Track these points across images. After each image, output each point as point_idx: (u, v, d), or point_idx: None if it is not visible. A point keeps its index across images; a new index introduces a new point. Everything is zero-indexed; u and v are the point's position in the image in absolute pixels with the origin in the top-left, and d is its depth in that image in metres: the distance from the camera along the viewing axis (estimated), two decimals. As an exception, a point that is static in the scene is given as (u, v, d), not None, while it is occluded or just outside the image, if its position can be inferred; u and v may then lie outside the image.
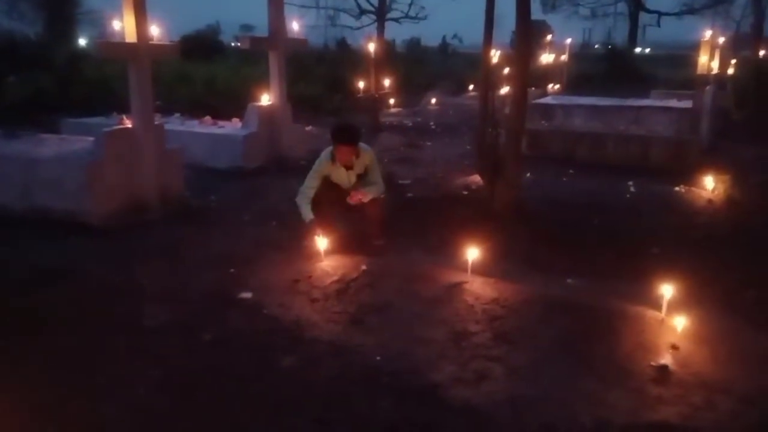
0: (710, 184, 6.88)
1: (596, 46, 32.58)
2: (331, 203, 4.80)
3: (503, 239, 4.92)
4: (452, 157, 8.71)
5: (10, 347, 3.28)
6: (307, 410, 2.82)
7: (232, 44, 22.19)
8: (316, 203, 4.78)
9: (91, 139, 5.51)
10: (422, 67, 21.47)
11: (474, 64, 17.84)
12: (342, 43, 25.97)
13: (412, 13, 28.80)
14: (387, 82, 12.45)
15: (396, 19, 28.86)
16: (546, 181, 7.08)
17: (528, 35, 5.67)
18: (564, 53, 19.34)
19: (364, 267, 4.40)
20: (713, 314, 3.74)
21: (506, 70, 10.17)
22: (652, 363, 3.20)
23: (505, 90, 9.73)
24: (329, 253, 4.60)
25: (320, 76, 15.17)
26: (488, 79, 6.48)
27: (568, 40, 20.18)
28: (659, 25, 34.35)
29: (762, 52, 16.65)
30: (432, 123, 12.47)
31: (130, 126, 5.59)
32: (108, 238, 5.01)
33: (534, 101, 9.18)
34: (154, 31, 5.72)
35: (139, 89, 5.46)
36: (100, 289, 4.05)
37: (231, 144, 7.60)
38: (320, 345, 3.40)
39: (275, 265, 4.48)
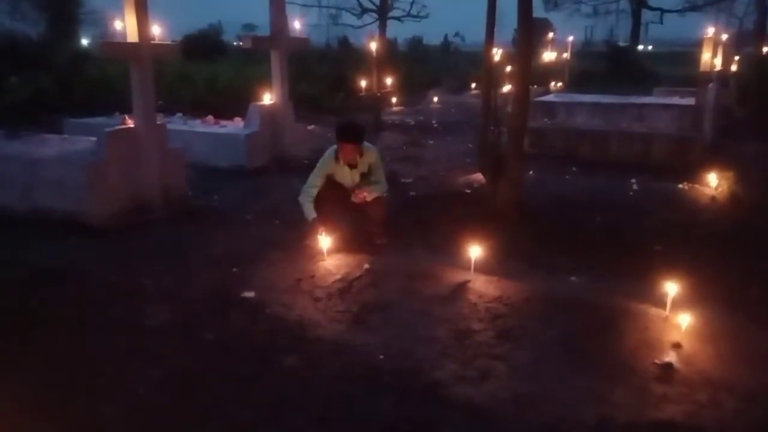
0: (713, 181, 6.86)
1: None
2: (334, 202, 4.79)
3: (506, 237, 4.91)
4: (454, 156, 8.70)
5: (10, 347, 3.28)
6: (308, 409, 2.81)
7: (234, 44, 22.22)
8: (318, 202, 4.77)
9: (93, 139, 5.51)
10: (424, 65, 21.46)
11: (476, 63, 17.81)
12: (344, 42, 25.98)
13: (413, 12, 28.75)
14: (389, 81, 12.44)
15: (398, 18, 28.83)
16: (549, 179, 7.06)
17: (530, 33, 5.65)
18: (566, 51, 19.36)
19: (366, 266, 4.39)
20: (717, 312, 3.72)
21: (508, 68, 10.17)
22: (656, 361, 3.19)
23: (507, 88, 9.72)
24: (332, 252, 4.60)
25: (322, 75, 15.17)
26: (490, 77, 6.46)
27: (570, 38, 20.20)
28: (662, 22, 34.25)
29: (765, 49, 16.59)
30: (434, 121, 12.46)
31: (132, 126, 5.59)
32: (110, 238, 5.01)
33: (536, 99, 9.16)
34: (156, 30, 5.72)
35: (141, 89, 5.46)
36: (102, 290, 4.05)
37: (233, 143, 7.60)
38: (323, 344, 3.39)
39: (278, 265, 4.48)
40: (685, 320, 3.49)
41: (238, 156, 7.53)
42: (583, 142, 8.58)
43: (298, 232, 4.90)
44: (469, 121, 11.40)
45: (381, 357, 3.25)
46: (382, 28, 26.28)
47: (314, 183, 4.80)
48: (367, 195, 4.71)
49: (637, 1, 32.87)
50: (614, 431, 2.68)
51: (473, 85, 18.16)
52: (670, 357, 3.22)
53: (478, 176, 6.78)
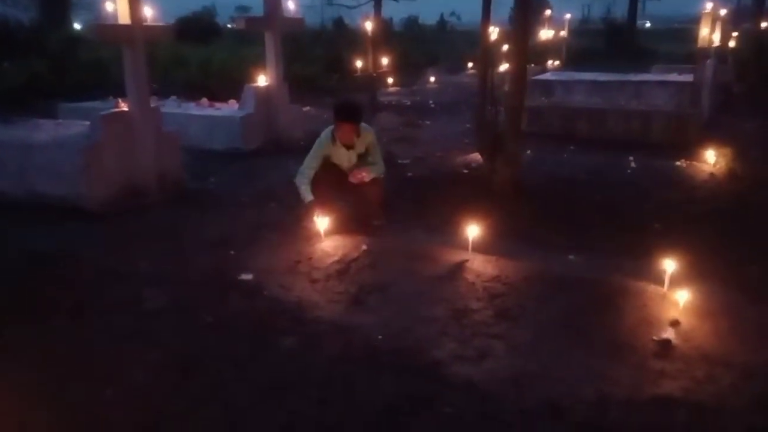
0: (711, 158, 6.84)
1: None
2: (331, 183, 4.77)
3: (503, 217, 4.90)
4: (451, 136, 8.66)
5: (7, 332, 3.27)
6: (308, 390, 2.82)
7: (228, 26, 22.04)
8: (315, 184, 4.74)
9: (87, 123, 5.46)
10: (420, 45, 21.30)
11: (472, 42, 17.71)
12: (339, 23, 25.73)
13: (409, -9, 28.50)
14: (385, 61, 12.38)
15: (393, -3, 28.57)
16: (546, 158, 7.03)
17: (526, 11, 5.60)
18: (563, 29, 19.22)
19: (364, 247, 4.38)
20: (715, 288, 3.73)
21: (505, 47, 10.10)
22: (655, 337, 3.19)
23: (504, 67, 9.67)
24: (329, 233, 4.59)
25: (317, 56, 15.06)
26: (487, 56, 6.42)
27: (567, 16, 20.04)
28: (659, -1, 34.00)
29: (763, 25, 16.48)
30: (431, 101, 12.40)
31: (126, 109, 5.54)
32: (106, 222, 4.99)
33: (533, 78, 9.10)
34: (148, 12, 5.65)
35: (135, 72, 5.41)
36: (98, 273, 4.04)
37: (228, 125, 7.56)
38: (321, 325, 3.39)
39: (275, 247, 4.47)
40: (683, 297, 3.49)
41: (233, 138, 7.49)
42: (581, 120, 8.54)
43: (295, 214, 4.89)
44: (465, 100, 11.33)
45: (380, 337, 3.25)
46: (377, 8, 25.93)
47: (311, 165, 4.77)
48: (366, 175, 4.69)
49: (634, -22, 32.58)
50: (613, 407, 2.69)
51: (470, 65, 18.07)
52: (669, 334, 3.22)
53: (476, 156, 6.75)
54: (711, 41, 8.61)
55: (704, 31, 8.16)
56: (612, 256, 4.30)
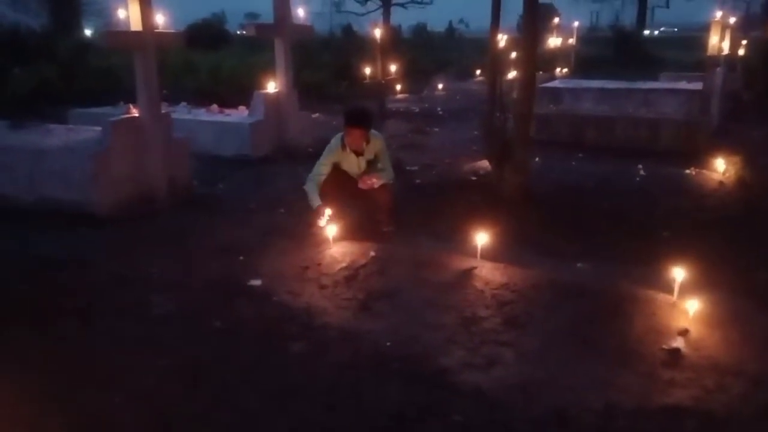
0: (721, 166, 6.82)
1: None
2: (340, 190, 4.78)
3: (512, 224, 4.89)
4: (460, 143, 8.67)
5: (18, 336, 3.29)
6: (316, 396, 2.82)
7: (238, 32, 22.16)
8: (324, 190, 4.75)
9: (98, 129, 5.51)
10: (429, 52, 21.33)
11: (480, 49, 17.73)
12: (348, 30, 25.84)
13: (417, -2, 28.64)
14: (393, 68, 12.39)
15: (402, 4, 28.70)
16: (555, 165, 7.03)
17: (535, 19, 5.62)
18: (571, 36, 19.24)
19: (372, 253, 4.39)
20: (725, 297, 3.70)
21: (513, 54, 10.10)
22: (664, 346, 3.18)
23: (512, 74, 9.67)
24: (338, 239, 4.59)
25: (326, 63, 15.11)
26: (495, 63, 6.43)
27: (576, 23, 20.07)
28: (668, 6, 33.98)
29: (773, 33, 16.42)
30: (439, 108, 12.41)
31: (136, 115, 5.58)
32: (116, 227, 5.02)
33: (542, 85, 9.10)
34: (159, 19, 5.70)
35: (146, 78, 5.45)
36: (108, 279, 4.06)
37: (238, 132, 7.59)
38: (330, 331, 3.40)
39: (284, 253, 4.48)
40: (692, 305, 3.47)
41: (242, 144, 7.52)
42: (589, 128, 8.53)
43: (304, 221, 4.90)
44: (474, 107, 11.34)
45: (388, 344, 3.25)
46: (386, 15, 26.18)
47: (320, 171, 4.78)
48: (376, 181, 4.70)
49: (643, -15, 32.62)
50: (621, 416, 2.68)
51: (478, 72, 18.09)
52: (678, 342, 3.21)
53: (484, 163, 6.75)
54: (720, 49, 8.59)
55: (714, 39, 8.16)
56: (620, 264, 4.28)
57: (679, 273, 3.66)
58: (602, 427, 2.62)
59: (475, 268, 4.13)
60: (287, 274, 4.12)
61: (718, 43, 8.28)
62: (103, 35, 5.93)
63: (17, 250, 4.52)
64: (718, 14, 8.47)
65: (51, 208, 5.24)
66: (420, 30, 28.32)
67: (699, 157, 7.18)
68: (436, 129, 10.09)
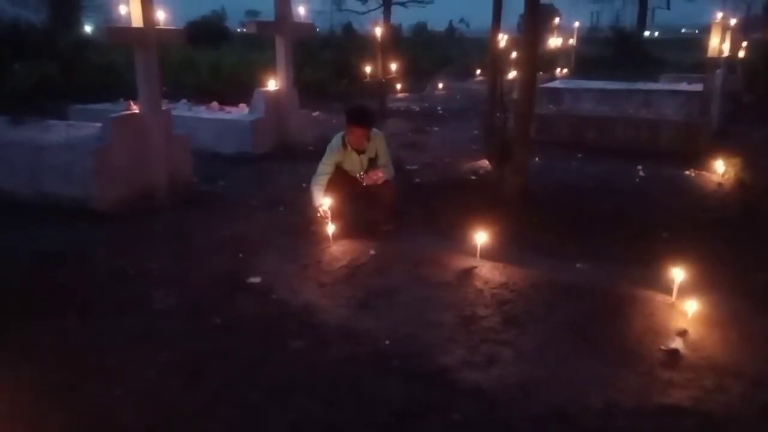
0: (720, 167, 6.83)
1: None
2: (340, 188, 4.79)
3: (512, 224, 4.90)
4: (460, 142, 8.68)
5: (19, 331, 3.29)
6: (315, 393, 2.82)
7: (238, 30, 22.13)
8: (327, 189, 4.77)
9: (99, 125, 5.51)
10: (429, 51, 21.34)
11: (481, 49, 17.75)
12: (348, 28, 25.85)
13: (418, -3, 28.61)
14: (393, 67, 12.38)
15: (402, 4, 28.66)
16: (555, 166, 7.04)
17: (536, 19, 5.61)
18: (572, 37, 19.24)
19: (372, 252, 4.40)
20: (724, 298, 3.71)
21: (514, 55, 10.11)
22: (662, 347, 3.18)
23: (512, 74, 9.67)
24: (338, 238, 4.60)
25: (326, 62, 15.11)
26: (496, 63, 6.44)
27: (576, 24, 20.08)
28: (669, 8, 34.00)
29: (773, 35, 16.44)
30: (439, 108, 12.42)
31: (137, 111, 5.58)
32: (116, 223, 5.02)
33: (542, 85, 9.10)
34: (161, 16, 5.69)
35: (146, 74, 5.45)
36: (109, 274, 4.06)
37: (238, 129, 7.59)
38: (329, 329, 3.40)
39: (284, 250, 4.48)
40: (691, 306, 3.48)
41: (243, 142, 7.52)
42: (590, 129, 8.54)
43: (304, 218, 4.91)
44: (474, 107, 11.35)
45: (387, 342, 3.26)
46: (387, 13, 26.12)
47: (324, 171, 4.80)
48: (381, 176, 4.72)
49: (643, -14, 32.64)
50: (620, 416, 2.68)
51: (478, 72, 18.10)
52: (677, 343, 3.22)
53: (484, 163, 6.76)
54: (721, 51, 8.60)
55: (714, 41, 8.15)
56: (620, 265, 4.29)
57: (678, 274, 3.67)
58: (601, 426, 2.62)
59: (475, 267, 4.15)
60: (287, 271, 4.13)
61: (719, 44, 8.27)
62: (104, 31, 5.93)
63: (17, 246, 4.53)
64: (719, 16, 8.46)
65: (51, 204, 5.24)
66: (420, 29, 28.33)
67: (699, 158, 7.20)
68: (437, 128, 10.10)
